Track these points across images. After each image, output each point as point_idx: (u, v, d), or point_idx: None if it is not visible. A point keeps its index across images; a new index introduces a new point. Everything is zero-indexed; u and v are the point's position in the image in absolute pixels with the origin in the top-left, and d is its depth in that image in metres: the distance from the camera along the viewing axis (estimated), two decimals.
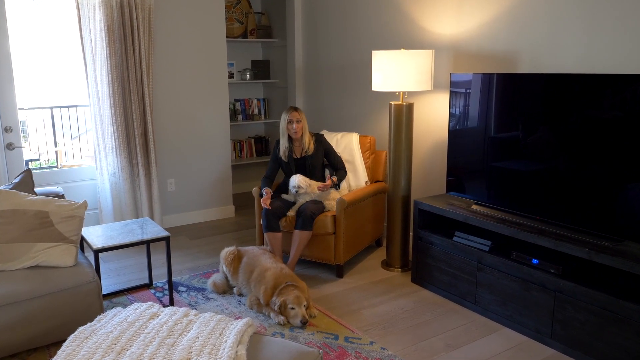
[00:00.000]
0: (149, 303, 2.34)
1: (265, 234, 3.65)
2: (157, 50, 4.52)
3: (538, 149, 2.94)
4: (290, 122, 3.69)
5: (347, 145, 4.08)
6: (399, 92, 3.66)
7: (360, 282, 3.64)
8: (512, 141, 3.07)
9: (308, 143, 3.76)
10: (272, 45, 5.99)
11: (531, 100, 2.97)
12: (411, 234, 3.88)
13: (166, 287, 3.55)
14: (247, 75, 5.88)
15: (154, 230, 3.28)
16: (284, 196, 3.77)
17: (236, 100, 5.97)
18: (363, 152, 4.07)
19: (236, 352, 1.93)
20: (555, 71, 3.11)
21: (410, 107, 3.62)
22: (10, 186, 3.03)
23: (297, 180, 3.63)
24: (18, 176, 3.14)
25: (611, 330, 2.50)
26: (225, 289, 3.46)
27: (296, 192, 3.63)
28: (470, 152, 3.34)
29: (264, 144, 6.18)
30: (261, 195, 3.77)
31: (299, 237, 3.56)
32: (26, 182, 3.14)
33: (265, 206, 3.58)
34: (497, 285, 3.02)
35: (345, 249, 3.68)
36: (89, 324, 2.18)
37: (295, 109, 3.72)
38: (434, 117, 3.94)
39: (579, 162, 2.73)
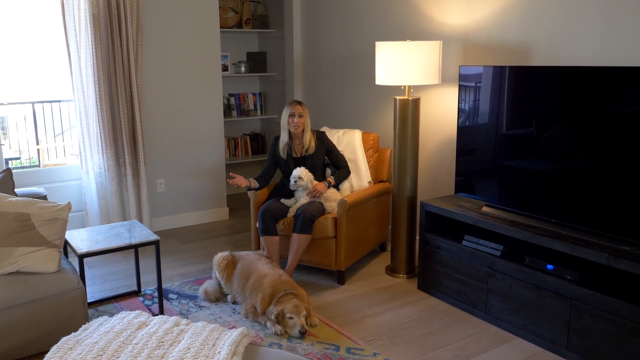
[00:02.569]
0: (137, 312, 2.34)
1: (261, 238, 3.65)
2: (146, 41, 4.52)
3: (553, 146, 2.94)
4: (291, 115, 3.70)
5: (349, 143, 4.08)
6: (405, 86, 3.66)
7: (363, 289, 3.64)
8: (526, 138, 3.07)
9: (309, 141, 3.76)
10: (269, 36, 5.99)
11: (546, 95, 2.97)
12: (417, 237, 3.88)
13: (155, 294, 3.55)
14: (242, 68, 5.88)
15: (142, 233, 3.28)
16: (283, 201, 3.77)
17: (230, 95, 5.97)
18: (366, 150, 4.07)
19: None
20: (571, 64, 3.11)
21: (416, 102, 3.62)
22: None
23: (299, 171, 3.64)
24: None
25: (631, 340, 2.50)
26: (219, 297, 3.46)
27: (295, 182, 3.63)
28: (480, 150, 3.34)
29: (260, 142, 6.18)
30: (249, 189, 3.80)
31: (297, 241, 3.56)
32: (6, 182, 3.14)
33: (233, 182, 3.65)
34: (510, 292, 3.02)
35: (347, 254, 3.68)
36: (73, 334, 2.18)
37: (299, 102, 3.73)
38: (441, 113, 3.94)
39: (597, 160, 2.73)
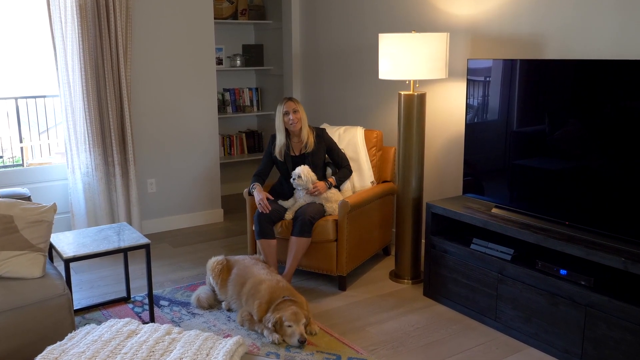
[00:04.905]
0: (127, 319, 2.34)
1: (258, 242, 3.65)
2: (135, 34, 4.52)
3: (567, 144, 2.94)
4: (286, 113, 3.69)
5: (351, 140, 4.08)
6: (410, 81, 3.66)
7: (365, 295, 3.64)
8: (538, 136, 3.07)
9: (307, 138, 3.76)
10: (266, 28, 5.99)
11: (559, 90, 2.97)
12: (423, 241, 3.87)
13: (146, 301, 3.55)
14: (238, 62, 5.88)
15: (132, 236, 3.28)
16: (281, 202, 3.76)
17: (225, 90, 5.97)
18: (369, 149, 4.07)
19: None
20: (586, 57, 3.10)
21: (422, 98, 3.62)
22: None
23: (301, 169, 3.63)
24: None
25: None
26: (212, 304, 3.46)
27: (293, 179, 3.63)
28: (490, 149, 3.34)
29: (256, 140, 6.18)
30: (250, 194, 3.77)
31: (296, 245, 3.56)
32: None
33: (262, 209, 3.57)
34: (521, 299, 3.02)
35: (349, 258, 3.68)
36: (58, 343, 2.18)
37: (290, 98, 3.74)
38: (448, 109, 3.94)
39: (613, 159, 2.73)
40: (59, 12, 4.10)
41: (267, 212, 3.58)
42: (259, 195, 3.64)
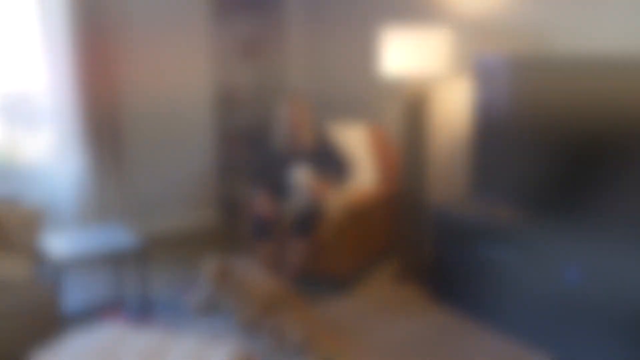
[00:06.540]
0: (120, 325, 2.33)
1: (255, 243, 3.64)
2: (129, 28, 4.50)
3: (580, 145, 2.94)
4: (290, 111, 3.71)
5: (352, 139, 4.07)
6: (414, 77, 3.65)
7: (368, 299, 3.64)
8: (548, 135, 3.06)
9: (309, 139, 3.76)
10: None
11: (570, 87, 2.96)
12: (428, 243, 3.87)
13: (139, 306, 3.53)
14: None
15: (125, 239, 3.27)
16: (280, 203, 3.76)
17: (222, 85, 5.95)
18: (371, 148, 4.07)
19: None
20: (597, 53, 3.10)
21: (426, 95, 3.61)
22: None
23: (298, 171, 3.64)
24: None
25: None
26: (209, 308, 3.45)
27: (292, 183, 3.63)
28: (498, 148, 3.33)
29: (254, 137, 6.16)
30: (252, 197, 3.76)
31: (295, 247, 3.55)
32: None
33: (266, 217, 3.56)
34: (533, 303, 3.00)
35: (351, 261, 3.67)
36: (48, 350, 2.17)
37: (300, 96, 3.75)
38: (455, 107, 3.93)
39: (628, 162, 2.72)
40: (48, 3, 4.09)
41: (269, 220, 3.58)
42: (264, 203, 3.62)
